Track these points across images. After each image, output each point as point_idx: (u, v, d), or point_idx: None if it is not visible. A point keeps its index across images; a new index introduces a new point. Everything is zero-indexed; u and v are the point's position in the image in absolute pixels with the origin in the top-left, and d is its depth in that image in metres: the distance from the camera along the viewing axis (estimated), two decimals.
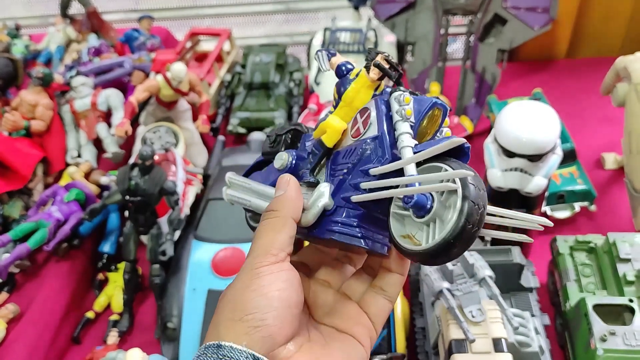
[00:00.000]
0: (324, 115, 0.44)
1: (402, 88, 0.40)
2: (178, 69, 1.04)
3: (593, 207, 0.99)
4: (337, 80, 0.43)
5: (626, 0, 1.27)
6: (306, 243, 0.48)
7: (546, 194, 0.90)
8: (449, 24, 1.20)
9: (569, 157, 1.00)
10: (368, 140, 0.39)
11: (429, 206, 0.35)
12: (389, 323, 0.80)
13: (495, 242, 0.86)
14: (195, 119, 1.13)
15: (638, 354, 0.66)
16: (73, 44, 1.38)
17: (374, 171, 0.37)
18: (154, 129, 1.08)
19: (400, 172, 0.36)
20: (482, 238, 0.85)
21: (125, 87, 1.21)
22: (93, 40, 1.35)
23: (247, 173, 0.49)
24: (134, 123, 1.11)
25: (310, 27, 1.65)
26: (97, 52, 1.29)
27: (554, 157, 0.77)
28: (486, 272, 0.71)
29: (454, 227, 0.33)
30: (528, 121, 0.76)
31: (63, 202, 0.97)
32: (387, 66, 0.40)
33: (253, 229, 0.44)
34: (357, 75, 0.42)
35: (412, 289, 0.86)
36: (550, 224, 0.37)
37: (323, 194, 0.40)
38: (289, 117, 1.23)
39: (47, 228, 0.93)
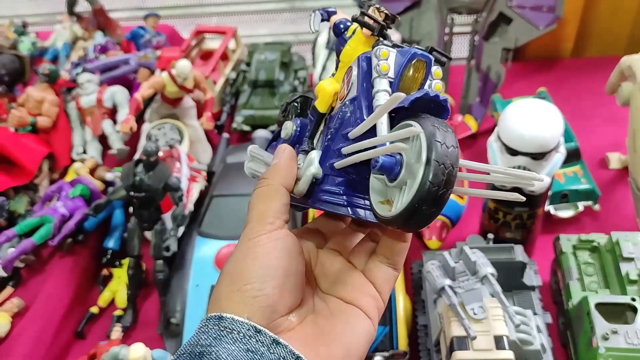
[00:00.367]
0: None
1: (385, 41, 0.37)
2: (183, 65, 1.04)
3: (597, 207, 0.99)
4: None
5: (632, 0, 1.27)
6: None
7: (550, 193, 0.89)
8: (453, 22, 1.20)
9: (573, 157, 1.00)
10: (347, 102, 0.38)
11: (397, 169, 0.33)
12: (391, 321, 0.80)
13: (497, 240, 0.86)
14: (200, 116, 1.14)
15: None
16: (79, 42, 1.39)
17: (351, 134, 0.36)
18: (158, 125, 1.08)
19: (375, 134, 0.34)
20: (484, 236, 0.85)
21: (130, 84, 1.21)
22: (99, 38, 1.36)
23: (268, 144, 0.48)
24: (139, 120, 1.11)
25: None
26: (103, 50, 1.30)
27: (558, 155, 0.77)
28: (488, 269, 0.71)
29: (418, 189, 0.31)
30: (531, 119, 0.75)
31: (68, 198, 0.98)
32: (380, 18, 0.38)
33: None
34: (354, 32, 0.40)
35: (415, 287, 0.86)
36: (540, 177, 0.35)
37: (312, 162, 0.39)
38: None
39: (52, 223, 0.94)
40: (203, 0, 1.71)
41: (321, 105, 0.40)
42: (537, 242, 0.90)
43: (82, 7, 1.43)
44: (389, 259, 0.38)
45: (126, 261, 0.96)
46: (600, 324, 0.69)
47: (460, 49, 1.34)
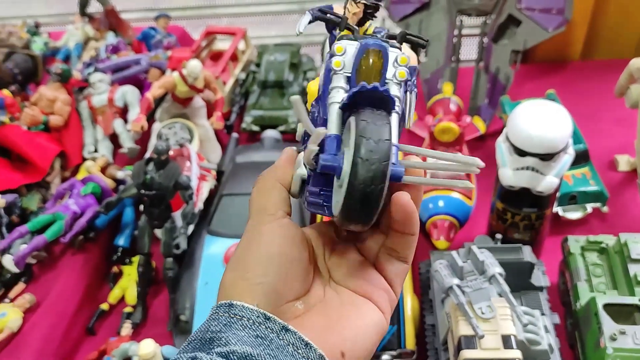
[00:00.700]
0: None
1: (347, 35, 0.36)
2: (194, 65, 1.05)
3: (605, 209, 0.99)
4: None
5: None
6: None
7: (558, 194, 0.90)
8: (462, 24, 1.21)
9: (582, 158, 1.00)
10: (313, 103, 0.38)
11: (339, 169, 0.32)
12: (399, 320, 0.80)
13: (506, 240, 0.86)
14: (209, 116, 1.14)
15: None
16: (91, 42, 1.40)
17: (297, 135, 0.36)
18: (169, 125, 1.09)
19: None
20: (492, 236, 0.85)
21: (141, 84, 1.23)
22: (111, 38, 1.37)
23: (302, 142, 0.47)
24: (150, 119, 1.12)
25: (324, 28, 1.66)
26: (115, 50, 1.31)
27: (566, 156, 0.78)
28: (496, 269, 0.72)
29: (347, 189, 0.30)
30: (540, 119, 0.76)
31: (80, 196, 0.99)
32: (359, 9, 0.37)
33: None
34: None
35: (422, 287, 0.86)
36: (481, 164, 0.34)
37: (299, 163, 0.38)
38: None
39: (64, 220, 0.95)
40: (213, 1, 1.72)
41: (309, 105, 0.40)
42: (545, 243, 0.90)
43: (94, 7, 1.45)
44: (398, 252, 0.38)
45: (136, 259, 0.97)
46: (608, 325, 0.69)
47: (469, 50, 1.34)
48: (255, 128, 1.22)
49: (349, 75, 0.35)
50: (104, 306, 0.95)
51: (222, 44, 1.41)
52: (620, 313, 0.72)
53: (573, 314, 0.79)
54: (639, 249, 0.77)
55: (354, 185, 0.30)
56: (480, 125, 1.14)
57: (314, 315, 0.36)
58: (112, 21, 1.42)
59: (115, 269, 1.00)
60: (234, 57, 1.34)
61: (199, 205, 0.98)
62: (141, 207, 0.96)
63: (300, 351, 0.33)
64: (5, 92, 1.08)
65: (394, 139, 0.33)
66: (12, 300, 0.91)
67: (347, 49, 0.35)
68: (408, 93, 0.37)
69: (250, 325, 0.33)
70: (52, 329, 0.87)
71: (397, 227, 0.37)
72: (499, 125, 1.17)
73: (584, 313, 0.75)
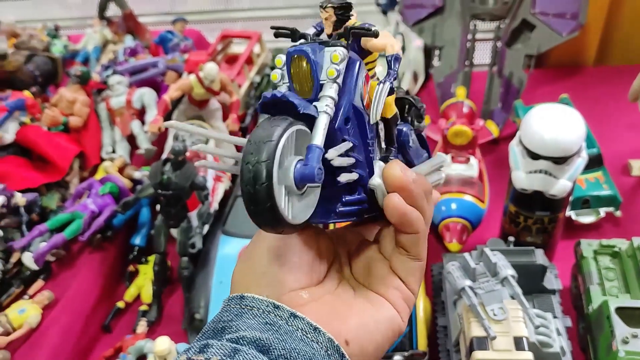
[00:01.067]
0: None
1: (296, 45, 0.36)
2: (210, 68, 1.07)
3: (618, 213, 0.98)
4: None
5: None
6: None
7: (571, 198, 0.90)
8: (476, 29, 1.21)
9: (595, 163, 1.00)
10: None
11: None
12: (411, 321, 0.81)
13: (518, 244, 0.86)
14: (225, 118, 1.16)
15: None
16: (109, 45, 1.43)
17: None
18: None
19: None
20: (505, 239, 0.85)
21: (158, 87, 1.24)
22: (129, 41, 1.40)
23: None
24: (167, 121, 1.14)
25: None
26: (133, 53, 1.34)
27: (579, 160, 0.78)
28: (509, 271, 0.72)
29: (240, 192, 0.32)
30: (553, 123, 0.76)
31: (98, 195, 1.01)
32: (327, 14, 0.37)
33: None
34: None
35: (435, 289, 0.87)
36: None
37: None
38: None
39: (82, 219, 0.97)
40: (229, 5, 1.74)
41: None
42: (558, 246, 0.90)
43: (113, 11, 1.47)
44: (407, 250, 0.38)
45: (152, 258, 0.98)
46: (620, 328, 0.69)
47: (482, 55, 1.34)
48: None
49: (288, 84, 0.36)
50: (120, 304, 0.97)
51: (238, 48, 1.43)
52: (633, 317, 0.72)
53: (585, 318, 0.79)
54: None
55: (241, 187, 0.32)
56: (493, 129, 1.14)
57: (319, 305, 0.37)
58: (130, 25, 1.45)
59: (131, 267, 1.02)
60: (249, 61, 1.36)
61: (215, 206, 1.00)
62: (157, 207, 0.98)
63: (309, 335, 0.34)
64: (27, 94, 1.11)
65: (317, 141, 0.33)
66: (31, 297, 0.92)
67: (284, 60, 0.36)
68: (381, 84, 0.37)
69: (260, 314, 0.35)
70: (69, 325, 0.89)
71: (398, 227, 0.38)
72: (512, 129, 1.17)
73: (596, 316, 0.75)
